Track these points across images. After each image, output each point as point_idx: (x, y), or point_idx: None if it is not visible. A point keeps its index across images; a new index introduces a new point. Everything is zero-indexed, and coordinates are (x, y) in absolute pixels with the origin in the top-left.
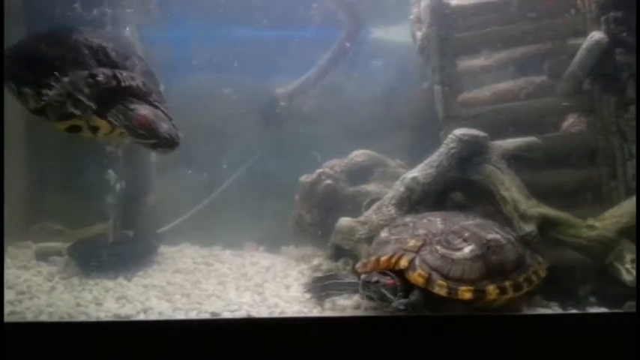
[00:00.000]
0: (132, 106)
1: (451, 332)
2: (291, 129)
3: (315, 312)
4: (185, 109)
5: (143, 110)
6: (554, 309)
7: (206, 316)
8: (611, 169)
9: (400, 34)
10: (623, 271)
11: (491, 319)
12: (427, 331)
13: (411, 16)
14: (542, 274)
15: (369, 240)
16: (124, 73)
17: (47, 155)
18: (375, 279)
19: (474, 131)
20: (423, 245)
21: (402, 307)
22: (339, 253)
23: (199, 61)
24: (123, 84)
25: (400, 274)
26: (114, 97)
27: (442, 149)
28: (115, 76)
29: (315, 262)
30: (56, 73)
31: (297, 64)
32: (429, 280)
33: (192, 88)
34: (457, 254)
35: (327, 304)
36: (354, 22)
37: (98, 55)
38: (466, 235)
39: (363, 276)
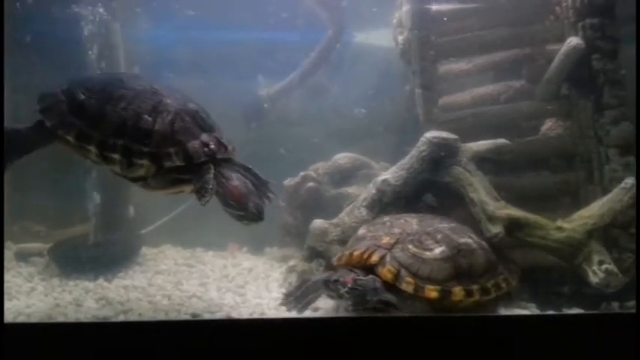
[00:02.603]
0: (225, 174)
1: (433, 334)
2: (274, 130)
3: (295, 313)
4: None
5: (236, 181)
6: (532, 310)
7: (186, 317)
8: (588, 173)
9: (382, 38)
10: (591, 274)
11: (477, 320)
12: (405, 332)
13: (393, 20)
14: (513, 282)
15: (342, 242)
16: (224, 139)
17: (27, 156)
18: (334, 278)
19: (444, 134)
20: (396, 243)
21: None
22: (313, 254)
23: (183, 61)
24: (229, 150)
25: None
26: (216, 161)
27: (413, 152)
28: (221, 143)
29: (291, 263)
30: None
31: (281, 66)
32: (397, 276)
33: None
34: (427, 254)
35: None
36: (337, 25)
37: (197, 120)
38: (439, 237)
39: (323, 276)
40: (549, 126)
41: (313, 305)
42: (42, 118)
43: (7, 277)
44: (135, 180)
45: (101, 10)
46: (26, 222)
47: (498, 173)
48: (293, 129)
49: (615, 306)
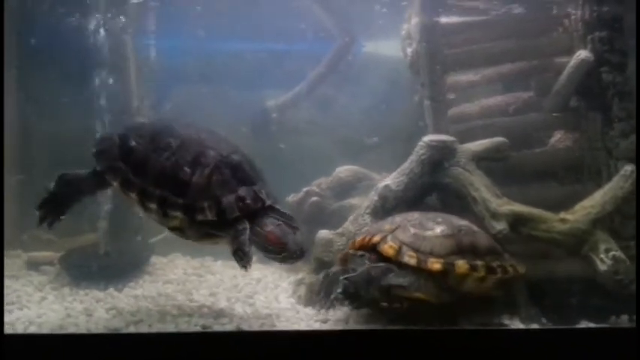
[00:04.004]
0: (259, 222)
1: (441, 346)
2: (283, 141)
3: (303, 325)
4: (177, 119)
5: (270, 226)
6: (540, 322)
7: (197, 328)
8: (597, 186)
9: (391, 48)
10: (598, 262)
11: (485, 333)
12: (415, 344)
13: (402, 32)
14: (521, 270)
15: None
16: (263, 191)
17: (38, 164)
18: (360, 253)
19: (442, 136)
20: (397, 228)
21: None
22: (320, 266)
23: (192, 72)
24: (266, 204)
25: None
26: (253, 215)
27: (413, 156)
28: (258, 197)
29: (299, 276)
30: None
31: (289, 77)
32: (399, 251)
33: (185, 99)
34: (428, 232)
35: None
36: (348, 36)
37: (237, 172)
38: (439, 219)
39: (350, 251)
40: (558, 138)
41: (322, 317)
42: (95, 159)
43: (17, 285)
44: (171, 229)
45: (111, 21)
46: (36, 230)
47: (506, 184)
48: (300, 139)
49: (625, 319)
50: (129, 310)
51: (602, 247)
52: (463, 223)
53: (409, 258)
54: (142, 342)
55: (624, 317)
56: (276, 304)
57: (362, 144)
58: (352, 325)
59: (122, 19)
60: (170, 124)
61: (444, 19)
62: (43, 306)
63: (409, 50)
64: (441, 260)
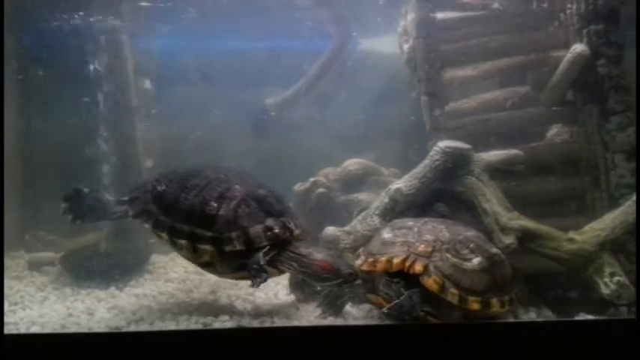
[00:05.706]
0: (303, 252)
1: (441, 340)
2: (281, 138)
3: (304, 321)
4: (176, 118)
5: (318, 254)
6: (546, 314)
7: (197, 326)
8: (594, 179)
9: (389, 44)
10: (602, 285)
11: (501, 326)
12: (416, 339)
13: (399, 29)
14: (520, 296)
15: (354, 249)
16: (291, 222)
17: (40, 165)
18: (396, 279)
19: (458, 143)
20: (433, 251)
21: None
22: None
23: (190, 71)
24: (295, 233)
25: (407, 276)
26: (281, 245)
27: (426, 161)
28: (286, 227)
29: None
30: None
31: (287, 75)
32: (443, 287)
33: (183, 98)
34: (467, 265)
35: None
36: (343, 34)
37: (264, 205)
38: (472, 246)
39: (386, 278)
40: (555, 132)
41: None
42: (128, 205)
43: (20, 286)
44: (204, 266)
45: (109, 20)
46: (39, 231)
47: (504, 179)
48: (299, 137)
49: (624, 311)
50: (130, 308)
51: (608, 270)
52: (493, 250)
53: (452, 296)
54: (143, 340)
55: (623, 309)
56: (276, 301)
57: (360, 141)
58: (352, 321)
59: (119, 18)
60: (199, 167)
61: (440, 15)
62: (45, 306)
63: (406, 46)
64: (479, 299)
